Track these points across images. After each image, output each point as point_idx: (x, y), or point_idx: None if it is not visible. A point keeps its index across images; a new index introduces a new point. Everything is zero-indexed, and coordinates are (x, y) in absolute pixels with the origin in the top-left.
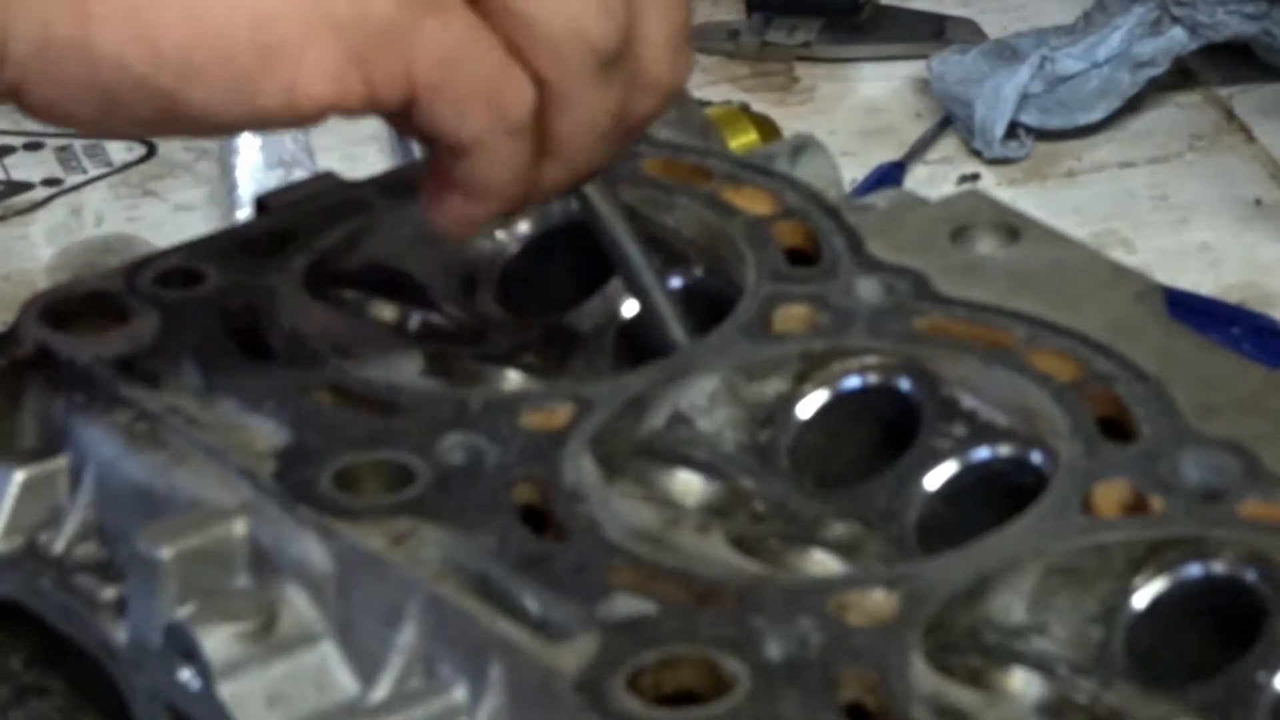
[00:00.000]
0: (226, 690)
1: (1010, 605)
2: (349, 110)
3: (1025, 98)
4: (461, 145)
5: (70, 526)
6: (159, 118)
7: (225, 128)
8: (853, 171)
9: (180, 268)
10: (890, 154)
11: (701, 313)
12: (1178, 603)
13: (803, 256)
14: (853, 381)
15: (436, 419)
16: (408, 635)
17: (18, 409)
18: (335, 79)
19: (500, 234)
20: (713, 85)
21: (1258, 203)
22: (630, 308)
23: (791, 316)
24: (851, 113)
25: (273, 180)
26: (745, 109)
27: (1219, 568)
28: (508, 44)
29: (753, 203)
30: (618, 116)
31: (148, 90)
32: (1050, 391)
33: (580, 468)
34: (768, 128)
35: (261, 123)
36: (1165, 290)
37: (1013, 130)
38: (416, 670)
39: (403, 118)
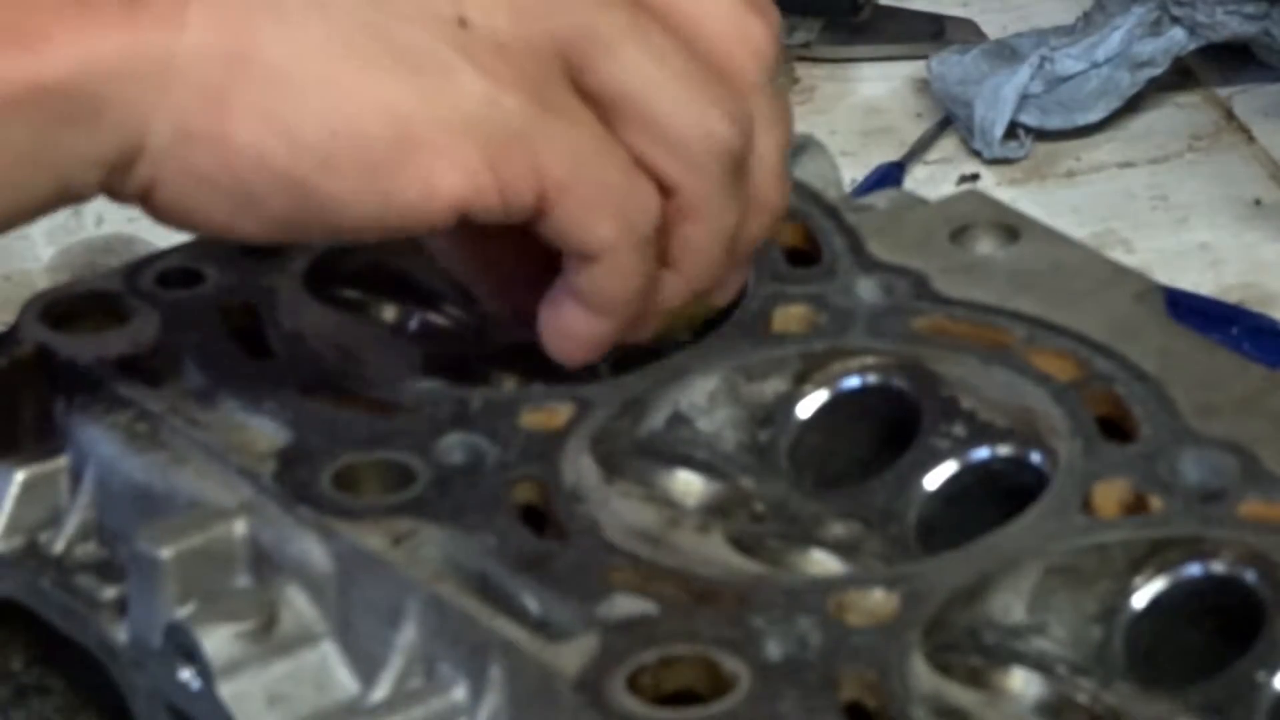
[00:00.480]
0: (227, 690)
1: (1010, 605)
2: (482, 209)
3: (1025, 98)
4: (589, 251)
5: (70, 526)
6: (291, 214)
7: (358, 226)
8: (852, 171)
9: (180, 268)
10: (890, 154)
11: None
12: (1177, 602)
13: (802, 256)
14: (852, 381)
15: (436, 419)
16: (408, 635)
17: (18, 409)
18: (469, 176)
19: None
20: None
21: (1257, 203)
22: None
23: (791, 316)
24: (851, 113)
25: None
26: None
27: (1218, 567)
28: (634, 154)
29: None
30: (737, 232)
31: (284, 183)
32: (1050, 391)
33: (580, 468)
34: None
35: (394, 219)
36: (1165, 290)
37: (1012, 130)
38: (416, 670)
39: (532, 225)
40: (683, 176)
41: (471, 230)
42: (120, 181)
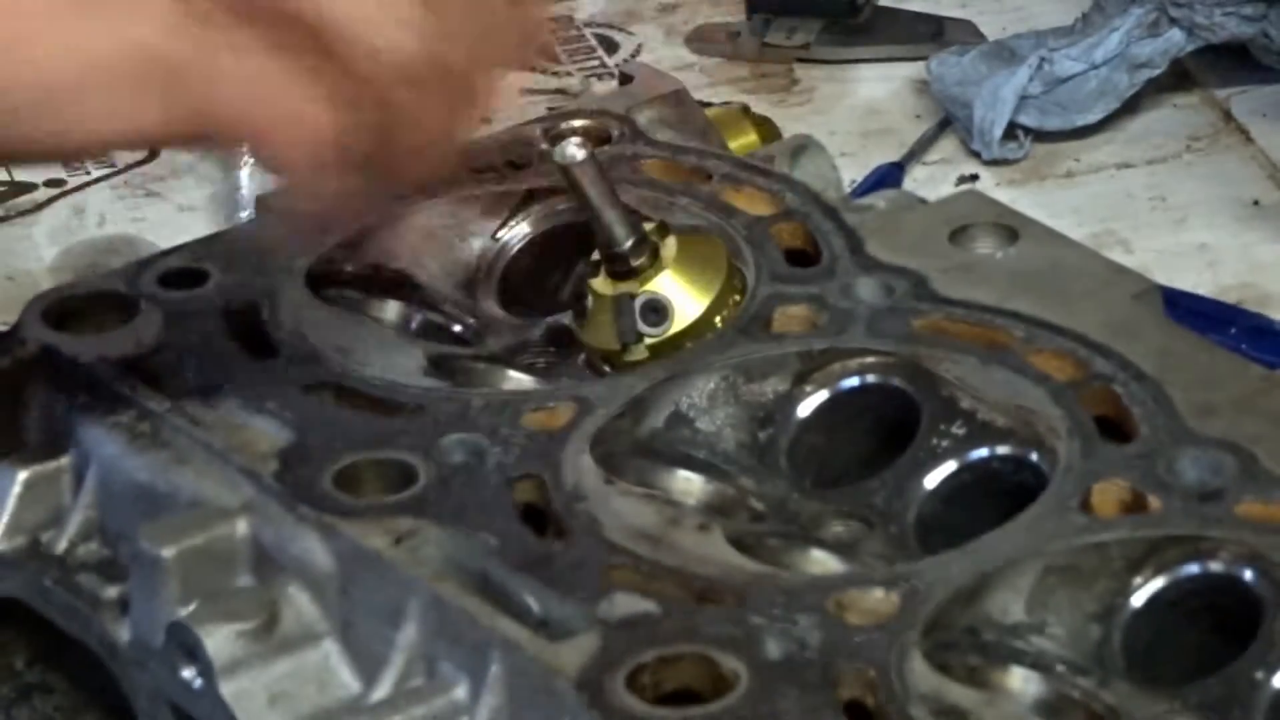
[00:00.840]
0: (228, 689)
1: (1009, 604)
2: (145, 142)
3: (1024, 99)
4: (278, 173)
5: (73, 526)
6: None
7: (20, 150)
8: (852, 172)
9: (183, 268)
10: (889, 155)
11: None
12: (1175, 602)
13: (802, 257)
14: (852, 381)
15: (438, 419)
16: (409, 634)
17: (21, 408)
18: (130, 112)
19: (502, 234)
20: (713, 87)
21: (1255, 203)
22: None
23: (791, 317)
24: (851, 114)
25: (275, 181)
26: (745, 110)
27: (1216, 567)
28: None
29: (752, 203)
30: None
31: None
32: (1049, 391)
33: (581, 467)
34: (767, 129)
35: (62, 149)
36: (1163, 290)
37: (1011, 131)
38: (417, 669)
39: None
40: (373, 86)
41: None
42: None
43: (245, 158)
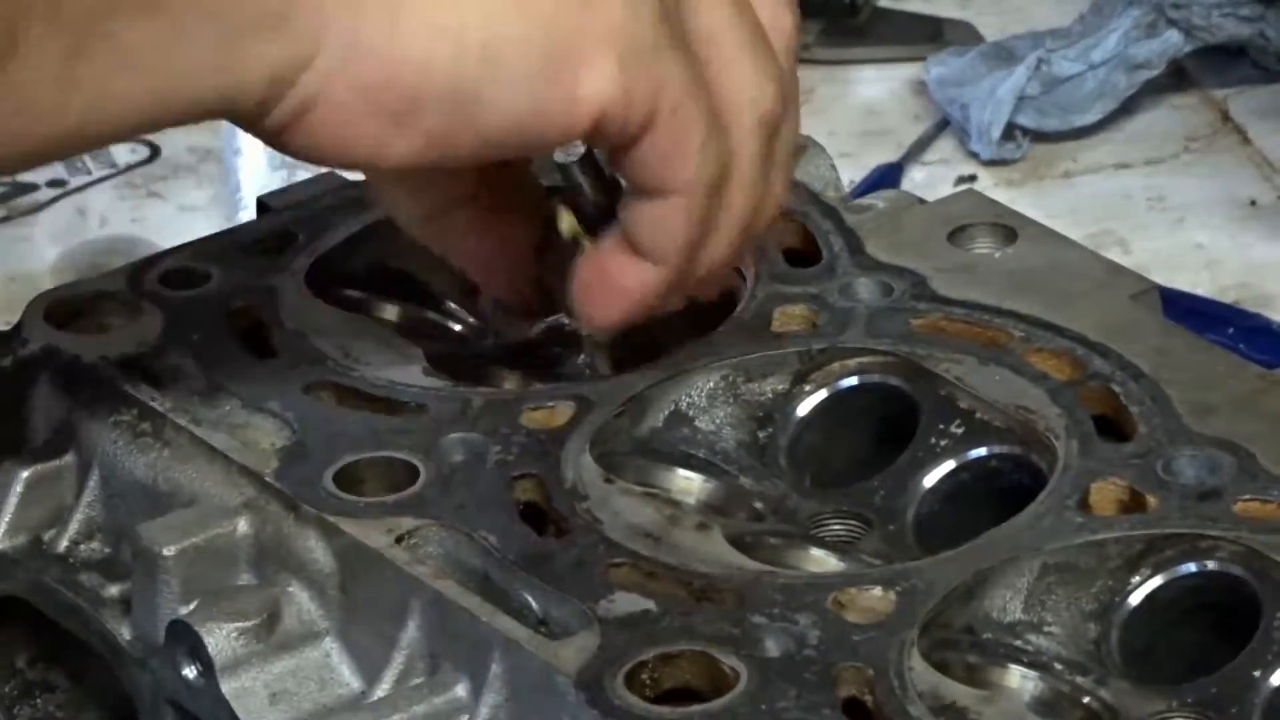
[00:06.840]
0: (229, 686)
1: (1007, 603)
2: (612, 121)
3: (1022, 99)
4: (667, 186)
5: (74, 524)
6: (443, 126)
7: (504, 136)
8: (850, 173)
9: (184, 268)
10: (888, 155)
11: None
12: (1173, 600)
13: (802, 257)
14: (851, 381)
15: (438, 418)
16: (409, 632)
17: (23, 408)
18: (609, 85)
19: None
20: None
21: (1252, 203)
22: None
23: (791, 316)
24: (850, 114)
25: (276, 181)
26: None
27: (1214, 565)
28: None
29: None
30: (755, 211)
31: (444, 91)
32: (1047, 390)
33: (581, 466)
34: None
35: (540, 128)
36: (1160, 290)
37: (1009, 132)
38: (418, 667)
39: (619, 153)
40: (737, 136)
41: (456, 218)
42: (278, 97)
43: (242, 155)
